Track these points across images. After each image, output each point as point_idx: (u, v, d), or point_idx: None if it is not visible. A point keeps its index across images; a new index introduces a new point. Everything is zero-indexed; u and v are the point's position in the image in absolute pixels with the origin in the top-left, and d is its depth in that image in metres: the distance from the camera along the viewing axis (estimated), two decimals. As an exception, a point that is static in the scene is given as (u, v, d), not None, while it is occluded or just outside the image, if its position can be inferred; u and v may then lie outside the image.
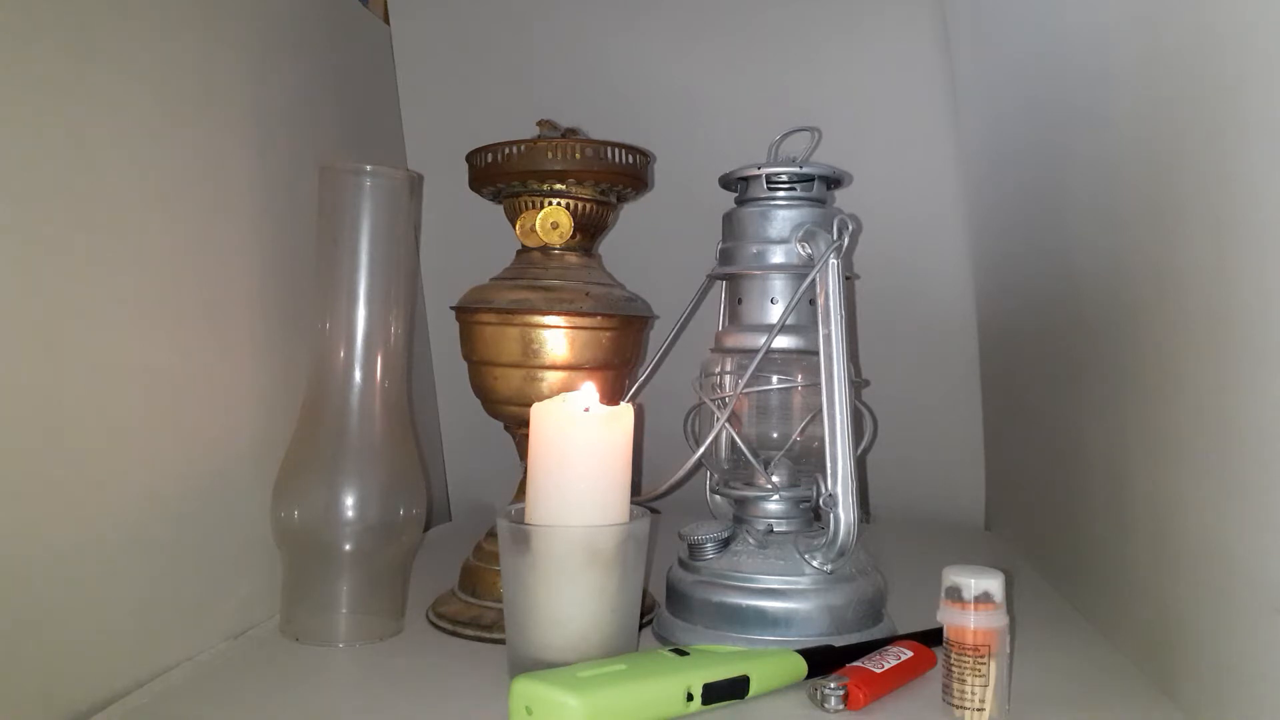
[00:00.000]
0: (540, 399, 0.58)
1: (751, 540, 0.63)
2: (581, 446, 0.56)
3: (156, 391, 0.57)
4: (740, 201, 0.68)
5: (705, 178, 0.72)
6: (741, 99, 0.99)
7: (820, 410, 0.60)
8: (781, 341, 0.64)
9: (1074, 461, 0.72)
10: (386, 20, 1.01)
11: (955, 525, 1.01)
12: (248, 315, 0.66)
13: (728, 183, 0.69)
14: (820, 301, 0.61)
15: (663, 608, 0.66)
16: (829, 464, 0.60)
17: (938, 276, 1.00)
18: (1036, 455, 0.84)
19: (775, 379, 0.65)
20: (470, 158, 0.70)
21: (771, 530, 0.64)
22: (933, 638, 0.56)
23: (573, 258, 0.69)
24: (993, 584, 0.50)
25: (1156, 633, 0.56)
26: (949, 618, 0.51)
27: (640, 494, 0.63)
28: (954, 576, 0.51)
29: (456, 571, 0.70)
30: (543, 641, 0.54)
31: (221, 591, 0.62)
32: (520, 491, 0.66)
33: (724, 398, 0.65)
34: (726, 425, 0.63)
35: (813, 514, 0.67)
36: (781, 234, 0.65)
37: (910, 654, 0.56)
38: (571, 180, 0.67)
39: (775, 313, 0.65)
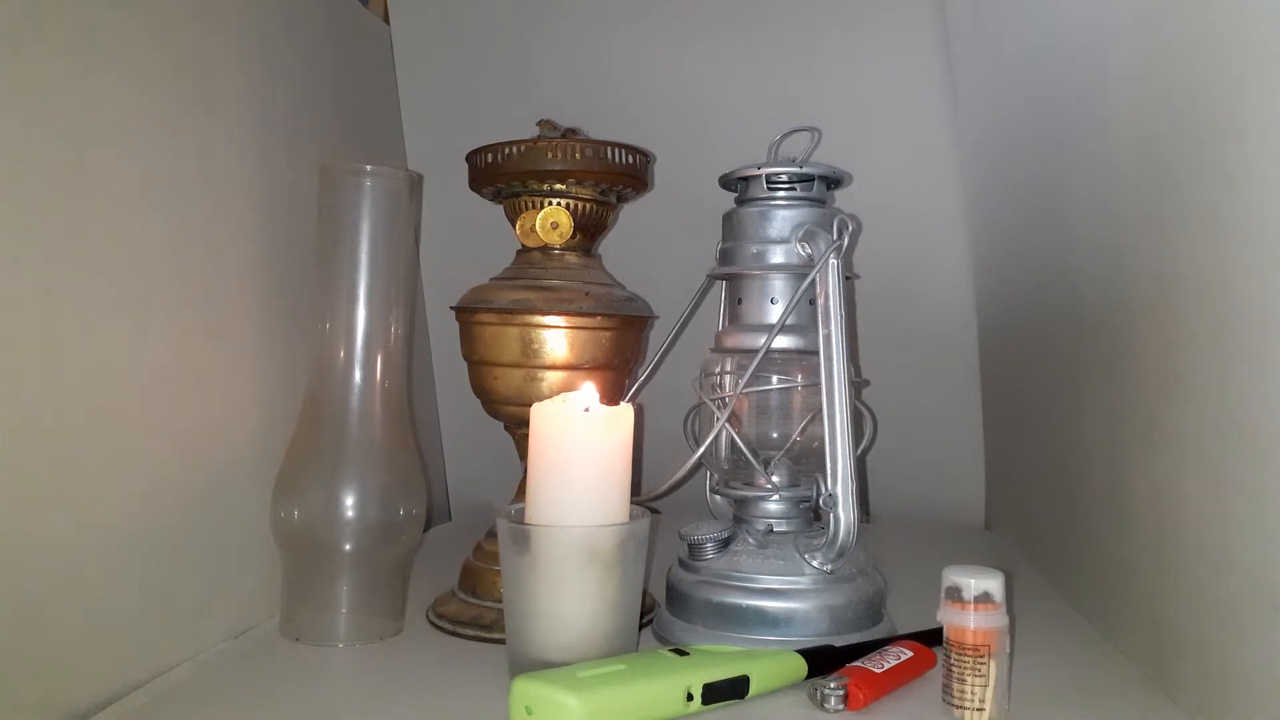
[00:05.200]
0: (540, 399, 0.58)
1: (751, 540, 0.63)
2: (581, 446, 0.56)
3: (156, 391, 0.57)
4: (740, 201, 0.68)
5: (705, 178, 0.72)
6: (741, 99, 0.99)
7: (820, 410, 0.60)
8: (781, 341, 0.64)
9: (1074, 461, 0.72)
10: (386, 20, 1.01)
11: (955, 525, 1.01)
12: (247, 315, 0.66)
13: (728, 183, 0.69)
14: (820, 301, 0.61)
15: (663, 608, 0.66)
16: (829, 464, 0.60)
17: (938, 276, 1.00)
18: (1036, 455, 0.84)
19: (775, 379, 0.65)
20: (470, 158, 0.70)
21: (771, 530, 0.64)
22: (933, 638, 0.56)
23: (573, 258, 0.69)
24: (993, 584, 0.50)
25: (1156, 633, 0.56)
26: (949, 618, 0.51)
27: (640, 494, 0.63)
28: (954, 576, 0.51)
29: (456, 571, 0.70)
30: (543, 641, 0.54)
31: (221, 591, 0.62)
32: (520, 491, 0.66)
33: (724, 398, 0.65)
34: (726, 425, 0.63)
35: (813, 514, 0.67)
36: (781, 234, 0.65)
37: (910, 654, 0.56)
38: (571, 180, 0.67)
39: (775, 313, 0.65)
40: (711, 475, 0.71)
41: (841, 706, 0.51)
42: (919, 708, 0.52)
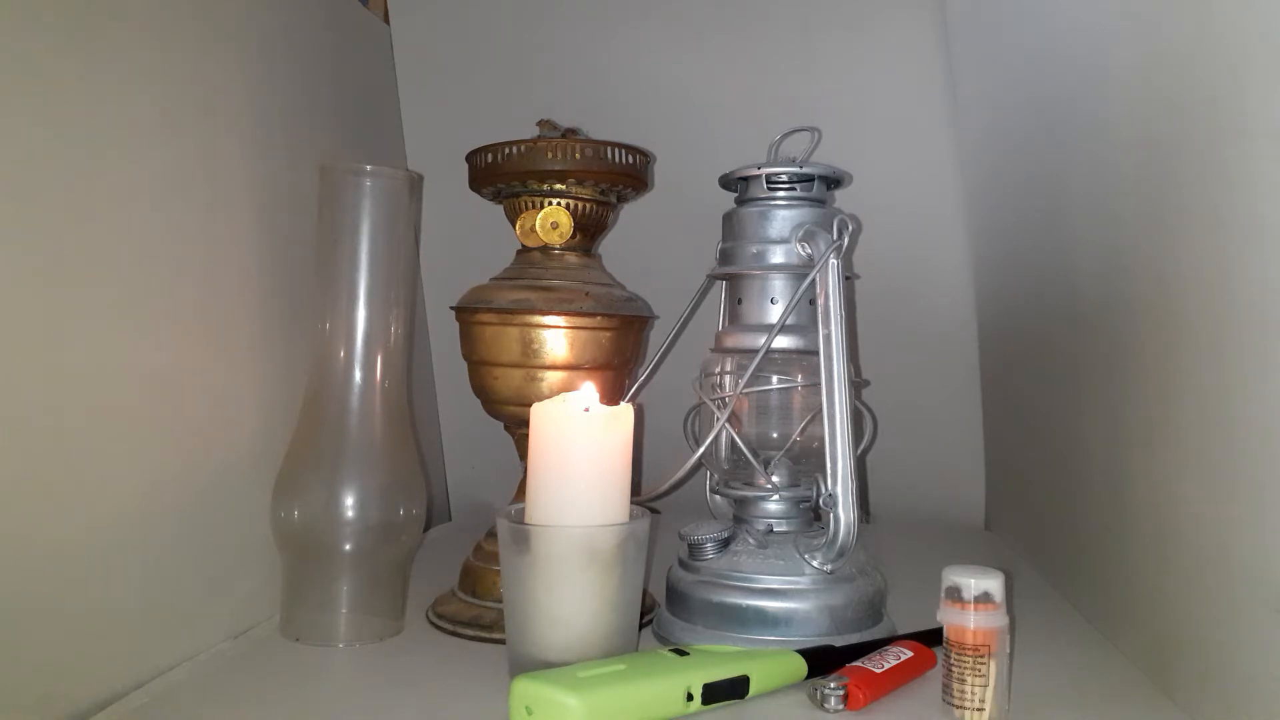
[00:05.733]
0: (540, 399, 0.58)
1: (751, 540, 0.63)
2: (581, 446, 0.56)
3: (156, 392, 0.57)
4: (740, 201, 0.68)
5: (705, 178, 0.72)
6: (741, 99, 0.99)
7: (820, 410, 0.60)
8: (781, 341, 0.64)
9: (1074, 461, 0.72)
10: (386, 20, 1.01)
11: (955, 525, 1.01)
12: (248, 315, 0.66)
13: (728, 183, 0.69)
14: (820, 301, 0.61)
15: (663, 608, 0.66)
16: (829, 464, 0.60)
17: (938, 276, 1.00)
18: (1036, 455, 0.84)
19: (775, 379, 0.65)
20: (470, 158, 0.70)
21: (771, 530, 0.64)
22: (933, 638, 0.56)
23: (573, 258, 0.69)
24: (993, 584, 0.50)
25: (1156, 633, 0.56)
26: (949, 618, 0.51)
27: (640, 494, 0.63)
28: (954, 576, 0.51)
29: (456, 571, 0.70)
30: (543, 641, 0.54)
31: (221, 591, 0.62)
32: (520, 491, 0.66)
33: (724, 398, 0.65)
34: (726, 425, 0.63)
35: (813, 514, 0.67)
36: (781, 234, 0.65)
37: (910, 654, 0.56)
38: (571, 180, 0.67)
39: (775, 313, 0.65)
40: (711, 475, 0.71)
41: (841, 706, 0.51)
42: (919, 708, 0.52)
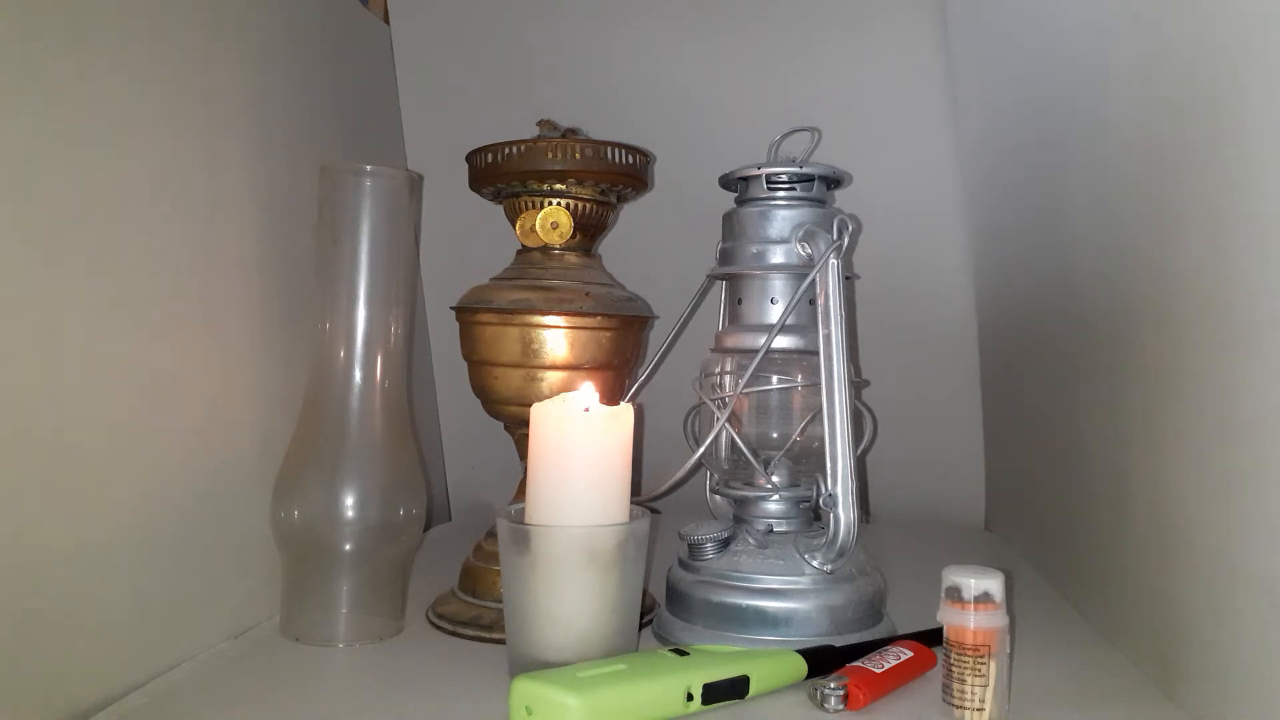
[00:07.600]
0: (540, 399, 0.58)
1: (751, 540, 0.63)
2: (581, 446, 0.56)
3: (156, 391, 0.57)
4: (740, 201, 0.68)
5: (705, 178, 0.72)
6: (741, 99, 0.99)
7: (820, 410, 0.60)
8: (781, 341, 0.64)
9: (1074, 461, 0.72)
10: (386, 20, 1.01)
11: (955, 525, 1.01)
12: (248, 315, 0.66)
13: (728, 183, 0.69)
14: (820, 301, 0.61)
15: (663, 608, 0.66)
16: (829, 464, 0.60)
17: (938, 276, 1.00)
18: (1036, 455, 0.84)
19: (775, 379, 0.65)
20: (470, 158, 0.70)
21: (771, 530, 0.64)
22: (933, 638, 0.56)
23: (573, 258, 0.69)
24: (993, 584, 0.50)
25: (1156, 633, 0.56)
26: (949, 618, 0.51)
27: (640, 494, 0.63)
28: (954, 576, 0.51)
29: (456, 571, 0.70)
30: (543, 641, 0.54)
31: (221, 591, 0.62)
32: (520, 491, 0.66)
33: (724, 398, 0.65)
34: (726, 425, 0.63)
35: (813, 514, 0.67)
36: (781, 234, 0.65)
37: (910, 654, 0.56)
38: (571, 180, 0.67)
39: (775, 313, 0.65)
40: (711, 475, 0.71)
41: (841, 706, 0.51)
42: (919, 708, 0.52)
